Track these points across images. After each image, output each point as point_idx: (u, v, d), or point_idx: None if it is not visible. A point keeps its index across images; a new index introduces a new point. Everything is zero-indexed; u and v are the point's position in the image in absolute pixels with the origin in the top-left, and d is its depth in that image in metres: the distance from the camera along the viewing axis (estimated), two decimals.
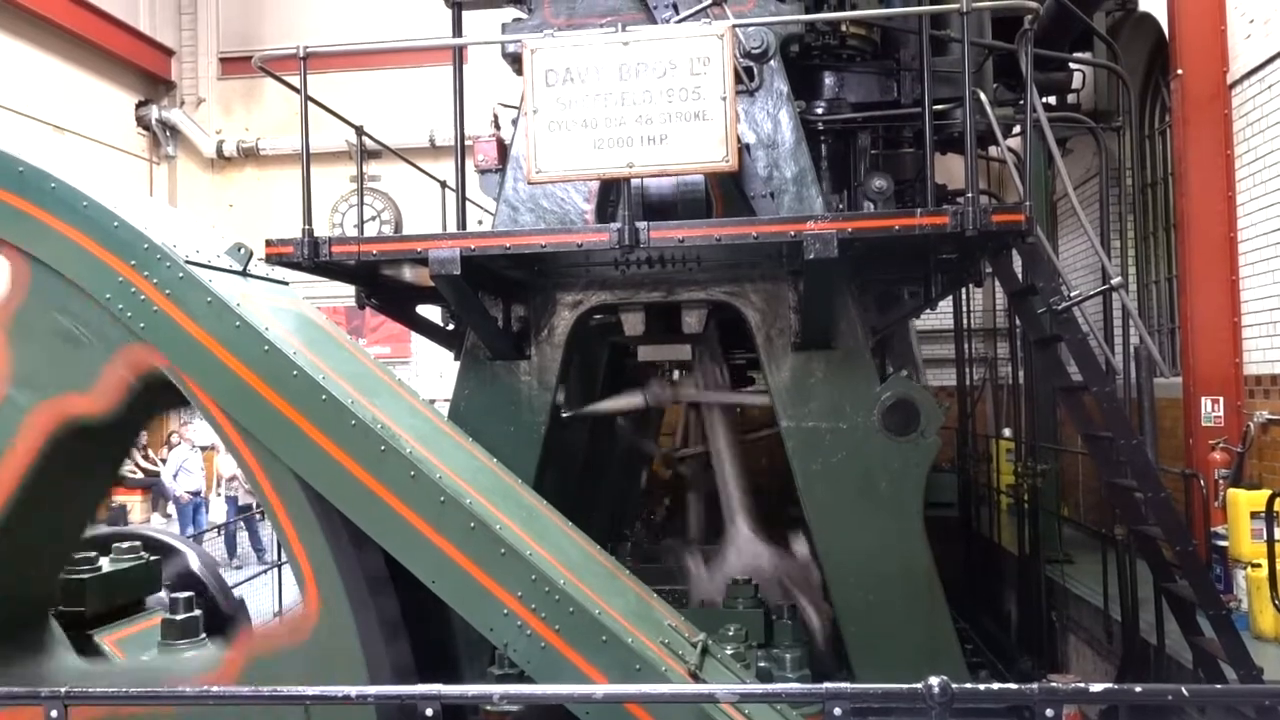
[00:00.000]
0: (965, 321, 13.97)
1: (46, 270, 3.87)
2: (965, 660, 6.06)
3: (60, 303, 3.89)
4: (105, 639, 4.75)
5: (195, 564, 5.64)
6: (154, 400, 4.11)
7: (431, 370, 15.23)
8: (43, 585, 4.38)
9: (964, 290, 12.85)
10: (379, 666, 3.79)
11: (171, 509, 15.91)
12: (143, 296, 3.83)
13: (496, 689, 2.85)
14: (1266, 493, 6.87)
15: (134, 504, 15.93)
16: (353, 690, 2.97)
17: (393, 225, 7.18)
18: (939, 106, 6.83)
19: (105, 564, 5.01)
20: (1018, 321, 11.43)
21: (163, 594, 5.23)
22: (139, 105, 18.02)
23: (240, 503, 15.11)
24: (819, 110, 6.99)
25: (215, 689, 2.67)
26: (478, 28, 7.64)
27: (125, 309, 3.84)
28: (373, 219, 7.18)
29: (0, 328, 3.93)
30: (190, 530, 14.06)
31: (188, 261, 3.90)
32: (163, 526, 14.36)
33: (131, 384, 3.90)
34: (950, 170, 9.67)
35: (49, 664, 4.16)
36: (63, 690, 2.80)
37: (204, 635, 4.77)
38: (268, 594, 10.15)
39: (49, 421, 3.88)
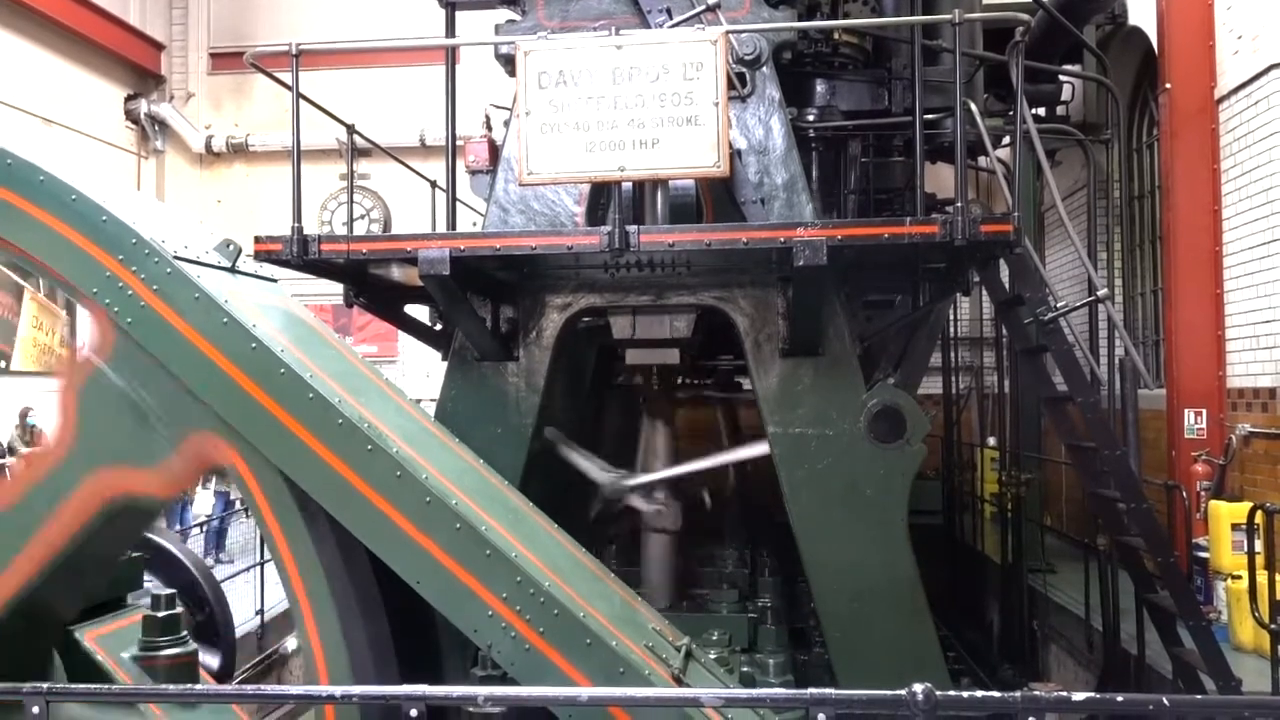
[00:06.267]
0: (952, 330, 14.02)
1: (129, 340, 3.82)
2: (948, 668, 6.08)
3: (139, 377, 3.84)
4: (86, 635, 4.71)
5: (180, 560, 5.61)
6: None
7: (418, 370, 15.15)
8: (51, 637, 4.39)
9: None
10: (364, 668, 3.78)
11: None
12: (130, 291, 3.81)
13: (482, 690, 2.84)
14: (1248, 505, 6.92)
15: None
16: (338, 690, 2.97)
17: (382, 224, 7.18)
18: (930, 116, 6.86)
19: None
20: (1004, 331, 11.50)
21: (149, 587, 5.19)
22: (128, 99, 17.89)
23: (230, 497, 15.01)
24: (810, 117, 7.02)
25: (201, 687, 2.66)
26: (471, 28, 7.63)
27: (112, 303, 3.82)
28: (362, 217, 7.17)
29: (72, 388, 3.90)
30: (176, 526, 13.97)
31: (176, 257, 3.88)
32: None
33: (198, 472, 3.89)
34: (939, 179, 9.72)
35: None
36: (44, 687, 2.79)
37: (185, 633, 4.75)
38: (250, 591, 10.09)
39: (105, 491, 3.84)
